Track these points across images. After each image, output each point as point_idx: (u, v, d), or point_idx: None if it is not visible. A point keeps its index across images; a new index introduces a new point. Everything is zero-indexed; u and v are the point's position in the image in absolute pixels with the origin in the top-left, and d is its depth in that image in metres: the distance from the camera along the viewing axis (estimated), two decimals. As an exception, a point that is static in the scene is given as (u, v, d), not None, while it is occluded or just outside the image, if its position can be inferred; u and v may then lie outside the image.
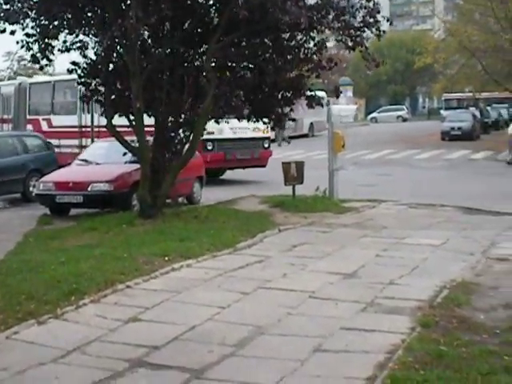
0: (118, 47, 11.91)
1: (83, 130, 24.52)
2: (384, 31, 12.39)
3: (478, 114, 43.86)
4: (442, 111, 67.32)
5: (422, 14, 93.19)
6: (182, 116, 12.97)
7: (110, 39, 10.96)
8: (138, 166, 14.43)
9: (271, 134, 23.48)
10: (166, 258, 8.98)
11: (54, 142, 22.14)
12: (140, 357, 5.69)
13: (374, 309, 6.92)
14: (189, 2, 12.27)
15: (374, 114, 68.32)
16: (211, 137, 20.48)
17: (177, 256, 9.13)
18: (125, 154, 15.03)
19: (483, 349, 5.55)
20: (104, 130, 17.07)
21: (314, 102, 13.58)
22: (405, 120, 66.94)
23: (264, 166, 22.59)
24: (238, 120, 14.65)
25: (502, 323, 6.30)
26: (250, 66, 13.38)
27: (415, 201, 15.74)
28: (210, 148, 21.32)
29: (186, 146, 13.08)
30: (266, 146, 22.83)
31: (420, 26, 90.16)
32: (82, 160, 16.32)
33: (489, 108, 50.23)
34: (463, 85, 46.83)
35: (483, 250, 9.93)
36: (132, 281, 7.89)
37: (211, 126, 19.07)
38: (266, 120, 14.54)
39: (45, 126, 25.49)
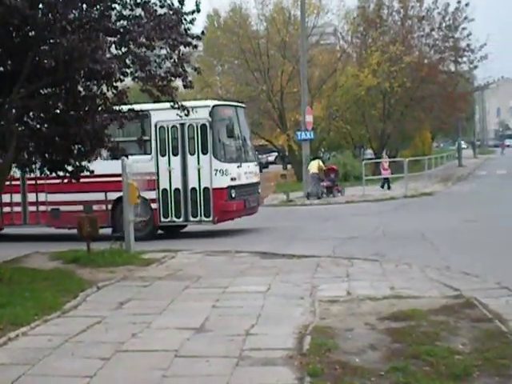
0: None
1: None
2: (191, 81, 12.42)
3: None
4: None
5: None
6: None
7: None
8: None
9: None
10: (-3, 328, 8.16)
11: None
12: None
13: (247, 362, 6.77)
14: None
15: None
16: (235, 183, 18.66)
17: (7, 324, 8.33)
18: None
19: (383, 392, 5.66)
20: None
21: (117, 153, 13.24)
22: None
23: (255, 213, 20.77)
24: None
25: (380, 365, 6.46)
26: (48, 117, 12.72)
27: (205, 248, 15.86)
28: (233, 196, 18.63)
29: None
30: (259, 191, 20.93)
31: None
32: None
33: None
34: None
35: (309, 293, 10.16)
36: (-30, 356, 7.05)
37: (233, 170, 18.57)
38: (60, 173, 13.84)
39: None
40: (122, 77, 12.22)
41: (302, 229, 19.77)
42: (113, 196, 18.65)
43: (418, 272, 11.67)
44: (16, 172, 16.19)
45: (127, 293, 10.61)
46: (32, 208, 19.67)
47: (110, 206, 19.02)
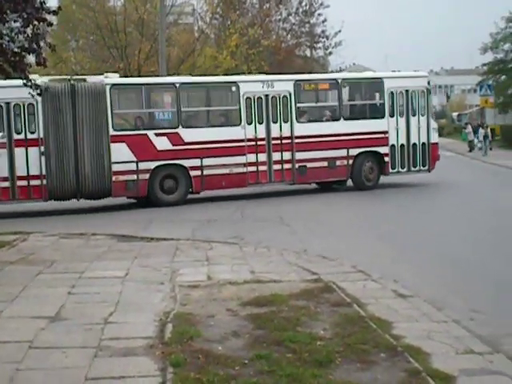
0: None
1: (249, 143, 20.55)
2: (45, 58, 11.82)
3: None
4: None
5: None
6: None
7: None
8: None
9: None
10: None
11: (189, 162, 19.76)
12: None
13: (105, 353, 6.52)
14: None
15: None
16: None
17: None
18: None
19: (249, 382, 5.58)
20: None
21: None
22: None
23: None
24: None
25: (244, 353, 6.40)
26: None
27: (59, 230, 15.33)
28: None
29: None
30: None
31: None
32: None
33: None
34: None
35: (169, 278, 9.99)
36: None
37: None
38: None
39: (165, 144, 19.69)
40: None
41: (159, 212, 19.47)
42: (354, 152, 21.52)
43: (277, 255, 11.76)
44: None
45: (-25, 279, 10.03)
46: (277, 166, 20.79)
47: (350, 162, 21.51)
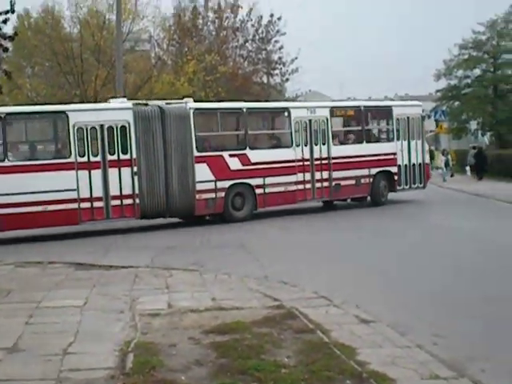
0: None
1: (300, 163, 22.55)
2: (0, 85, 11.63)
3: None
4: None
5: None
6: None
7: None
8: None
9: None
10: None
11: (255, 181, 21.34)
12: None
13: (66, 385, 6.37)
14: None
15: None
16: None
17: None
18: None
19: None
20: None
21: None
22: None
23: None
24: None
25: (207, 382, 6.31)
26: None
27: (15, 259, 15.03)
28: None
29: None
30: None
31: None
32: None
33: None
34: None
35: (129, 306, 9.84)
36: None
37: None
38: None
39: (236, 164, 21.19)
40: None
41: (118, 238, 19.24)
42: (373, 171, 23.89)
43: (238, 282, 11.67)
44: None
45: None
46: (318, 184, 22.75)
47: (371, 180, 23.85)
